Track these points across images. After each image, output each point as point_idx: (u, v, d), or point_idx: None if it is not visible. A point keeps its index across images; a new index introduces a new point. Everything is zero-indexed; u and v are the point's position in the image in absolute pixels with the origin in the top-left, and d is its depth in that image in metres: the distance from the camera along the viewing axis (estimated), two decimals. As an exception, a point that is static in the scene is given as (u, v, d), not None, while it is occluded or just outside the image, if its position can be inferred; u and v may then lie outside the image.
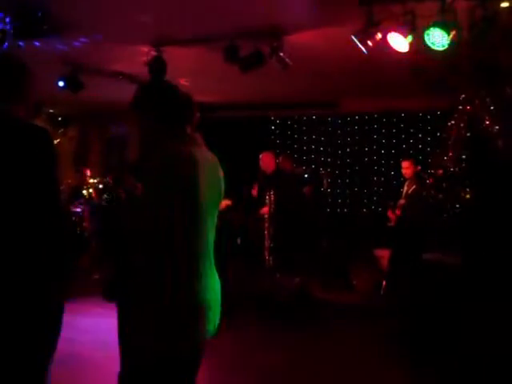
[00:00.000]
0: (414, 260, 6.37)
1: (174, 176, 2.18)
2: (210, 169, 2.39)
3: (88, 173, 9.48)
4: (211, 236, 2.38)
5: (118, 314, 2.34)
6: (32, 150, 2.45)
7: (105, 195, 8.34)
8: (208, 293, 2.29)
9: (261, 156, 7.84)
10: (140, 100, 2.40)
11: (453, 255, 5.54)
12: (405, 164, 7.92)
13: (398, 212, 7.71)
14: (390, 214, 7.95)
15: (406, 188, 7.93)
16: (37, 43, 5.93)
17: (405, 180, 8.06)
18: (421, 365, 4.78)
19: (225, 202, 6.54)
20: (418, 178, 7.68)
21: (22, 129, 2.49)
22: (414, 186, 7.65)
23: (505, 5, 4.59)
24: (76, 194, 8.90)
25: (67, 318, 2.59)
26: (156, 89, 2.45)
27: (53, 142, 2.57)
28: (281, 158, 8.43)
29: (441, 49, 4.84)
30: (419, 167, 7.76)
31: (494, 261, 4.85)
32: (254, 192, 7.86)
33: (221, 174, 2.48)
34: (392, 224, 7.87)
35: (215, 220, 2.42)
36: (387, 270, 7.54)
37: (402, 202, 7.78)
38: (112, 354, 2.63)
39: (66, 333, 2.61)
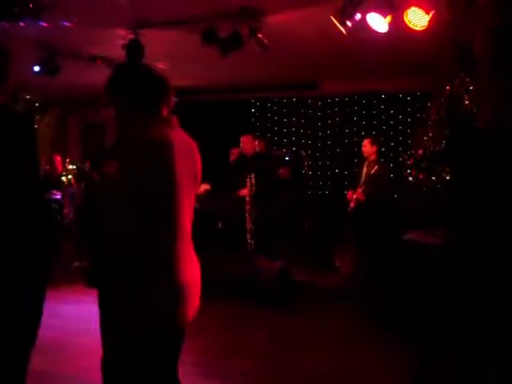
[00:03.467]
0: (386, 240, 6.43)
1: (149, 159, 2.17)
2: (186, 151, 2.38)
3: (58, 159, 9.36)
4: (189, 218, 2.37)
5: (98, 299, 2.33)
6: (15, 136, 2.38)
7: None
8: (187, 275, 2.30)
9: (241, 139, 7.82)
10: (115, 82, 2.37)
11: (433, 235, 5.58)
12: (364, 142, 7.92)
13: (359, 193, 7.67)
14: (349, 195, 7.91)
15: (365, 169, 7.89)
16: (9, 26, 5.79)
17: (363, 160, 8.03)
18: (401, 345, 4.82)
19: (204, 187, 6.50)
20: (379, 158, 7.72)
21: (2, 114, 2.42)
22: (375, 167, 7.66)
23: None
24: (50, 181, 8.80)
25: (48, 305, 2.57)
26: (131, 70, 2.42)
27: (35, 128, 2.52)
28: (257, 141, 8.42)
29: (420, 29, 4.83)
30: (376, 147, 7.75)
31: (475, 241, 4.88)
32: (232, 157, 7.77)
33: (197, 156, 2.46)
34: (352, 205, 7.83)
35: (192, 202, 2.41)
36: (356, 252, 7.60)
37: (362, 182, 7.79)
38: (94, 341, 2.61)
39: (47, 320, 2.59)
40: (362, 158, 8.11)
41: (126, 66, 2.60)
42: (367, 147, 7.82)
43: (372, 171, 7.68)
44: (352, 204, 7.80)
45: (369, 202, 7.53)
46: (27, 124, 2.47)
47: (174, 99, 2.43)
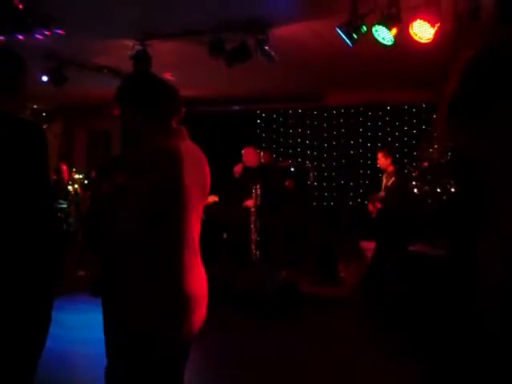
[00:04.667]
0: (398, 252, 6.39)
1: (158, 169, 2.16)
2: (195, 162, 2.37)
3: (65, 168, 9.39)
4: (197, 229, 2.37)
5: (103, 309, 2.33)
6: (27, 145, 2.41)
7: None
8: (195, 286, 2.29)
9: (243, 151, 7.85)
10: (125, 92, 2.38)
11: (438, 247, 5.57)
12: (378, 155, 7.89)
13: (378, 205, 7.68)
14: (370, 207, 7.90)
15: (384, 180, 7.88)
16: (20, 37, 5.84)
17: (383, 172, 8.03)
18: (404, 357, 4.80)
19: (211, 198, 6.51)
20: (396, 170, 7.69)
21: (15, 124, 2.45)
22: (392, 178, 7.64)
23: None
24: (57, 190, 8.82)
25: (54, 315, 2.57)
26: (141, 80, 2.42)
27: (46, 137, 2.54)
28: (263, 153, 8.46)
29: (426, 41, 4.85)
30: (390, 158, 7.71)
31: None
32: (237, 175, 7.81)
33: (206, 167, 2.46)
34: (374, 216, 7.83)
35: (201, 213, 2.41)
36: (371, 263, 7.57)
37: (382, 194, 7.77)
38: (99, 351, 2.61)
39: (52, 330, 2.59)
40: (379, 170, 8.13)
41: (136, 76, 2.60)
42: (381, 160, 7.77)
43: (389, 183, 7.65)
44: (374, 215, 7.79)
45: (385, 214, 7.51)
46: (39, 133, 2.49)
47: (183, 110, 2.43)
